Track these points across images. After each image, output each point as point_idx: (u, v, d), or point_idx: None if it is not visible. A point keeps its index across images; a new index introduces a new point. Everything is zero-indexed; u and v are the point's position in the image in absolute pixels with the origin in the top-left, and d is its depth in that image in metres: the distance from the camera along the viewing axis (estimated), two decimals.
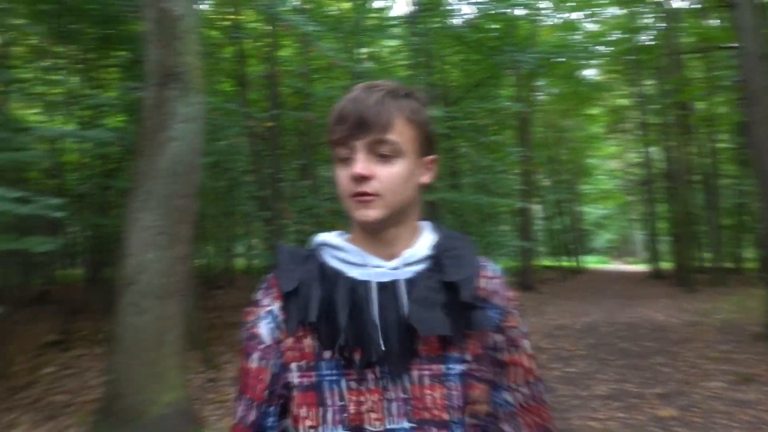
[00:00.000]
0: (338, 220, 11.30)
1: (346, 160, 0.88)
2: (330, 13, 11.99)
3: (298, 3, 10.13)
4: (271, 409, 0.92)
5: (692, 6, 15.36)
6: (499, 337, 0.93)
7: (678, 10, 15.10)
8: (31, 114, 11.63)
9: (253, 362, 0.93)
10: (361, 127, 0.85)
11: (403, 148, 0.87)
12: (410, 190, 0.90)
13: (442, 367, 0.87)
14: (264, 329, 0.94)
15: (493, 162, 13.74)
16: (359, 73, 9.61)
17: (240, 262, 19.42)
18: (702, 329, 8.42)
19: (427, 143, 0.93)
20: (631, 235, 40.93)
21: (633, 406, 4.69)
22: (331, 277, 0.91)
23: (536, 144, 19.72)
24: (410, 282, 0.89)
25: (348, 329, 0.86)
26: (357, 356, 0.86)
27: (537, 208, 22.97)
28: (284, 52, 12.99)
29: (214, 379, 5.70)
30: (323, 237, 0.97)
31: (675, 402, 4.75)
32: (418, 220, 0.97)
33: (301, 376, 0.89)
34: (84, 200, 10.24)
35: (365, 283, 0.89)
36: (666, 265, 21.13)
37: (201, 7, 10.17)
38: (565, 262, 24.23)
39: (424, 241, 0.94)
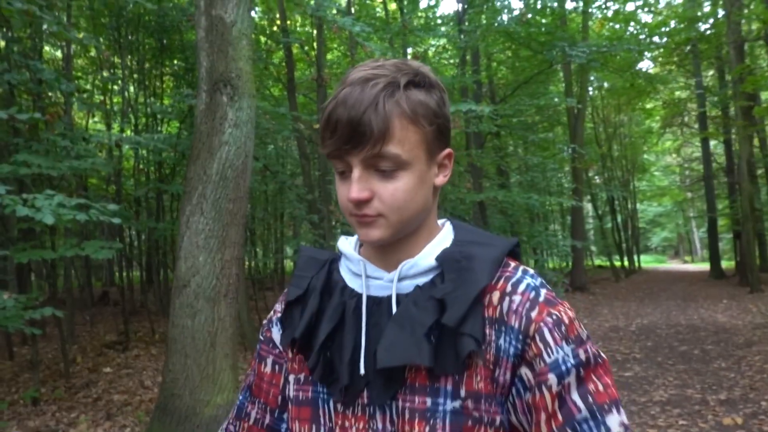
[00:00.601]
0: None
1: (343, 176, 0.76)
2: (377, 14, 12.05)
3: (343, 6, 10.21)
4: (285, 415, 0.89)
5: None
6: (525, 372, 0.72)
7: None
8: (92, 123, 12.18)
9: (267, 366, 0.90)
10: (354, 139, 0.71)
11: (407, 159, 0.73)
12: (420, 202, 0.77)
13: (428, 400, 0.74)
14: (276, 334, 0.90)
15: (543, 160, 13.46)
16: None
17: (289, 264, 19.77)
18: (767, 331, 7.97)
19: (439, 139, 0.78)
20: (690, 234, 39.23)
21: (695, 412, 4.48)
22: (332, 288, 0.84)
23: (588, 140, 19.18)
24: (406, 299, 0.78)
25: (325, 348, 0.79)
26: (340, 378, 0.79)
27: (589, 207, 22.35)
28: (331, 56, 13.16)
29: None
30: (340, 242, 0.88)
31: (740, 409, 4.51)
32: (434, 222, 0.85)
33: (297, 390, 0.84)
34: (140, 205, 10.66)
35: (359, 298, 0.80)
36: (727, 264, 20.13)
37: (252, 13, 10.43)
38: (619, 262, 23.46)
39: (432, 249, 0.80)
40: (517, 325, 0.73)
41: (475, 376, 0.73)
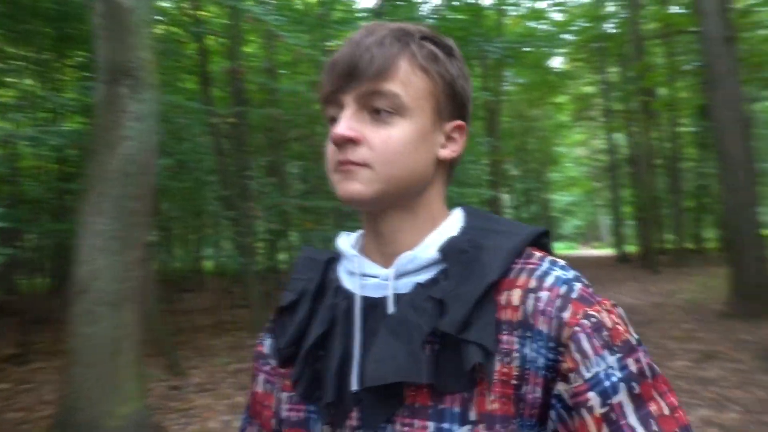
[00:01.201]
0: (308, 217, 11.19)
1: (333, 122, 0.66)
2: (295, 6, 11.82)
3: None
4: None
5: None
6: (564, 388, 0.58)
7: None
8: None
9: (259, 385, 0.79)
10: (351, 74, 0.63)
11: (409, 104, 0.63)
12: (419, 164, 0.65)
13: (430, 425, 0.60)
14: (267, 348, 0.78)
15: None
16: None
17: (209, 264, 19.13)
18: (667, 310, 8.60)
19: (452, 103, 0.68)
20: (598, 221, 41.74)
21: None
22: (326, 290, 0.72)
23: (504, 134, 19.86)
24: (403, 300, 0.65)
25: (312, 358, 0.69)
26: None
27: (506, 198, 23.17)
28: (248, 48, 12.78)
29: (179, 386, 5.56)
30: (339, 239, 0.76)
31: None
32: (440, 206, 0.71)
33: (289, 410, 0.72)
34: (41, 206, 9.91)
35: (351, 299, 0.68)
36: (632, 248, 21.59)
37: (159, 2, 9.91)
38: None
39: (436, 238, 0.67)
40: (546, 330, 0.59)
41: (488, 395, 0.59)
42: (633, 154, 18.22)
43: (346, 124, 0.63)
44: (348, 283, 0.71)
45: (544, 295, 0.61)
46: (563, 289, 0.61)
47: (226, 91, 11.86)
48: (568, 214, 38.99)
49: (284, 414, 0.73)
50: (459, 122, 0.70)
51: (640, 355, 0.59)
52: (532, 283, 0.62)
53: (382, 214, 0.67)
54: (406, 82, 0.64)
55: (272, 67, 9.75)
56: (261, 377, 0.79)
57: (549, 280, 0.62)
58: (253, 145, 13.44)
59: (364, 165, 0.63)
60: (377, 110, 0.63)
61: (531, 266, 0.64)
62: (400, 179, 0.64)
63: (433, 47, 0.67)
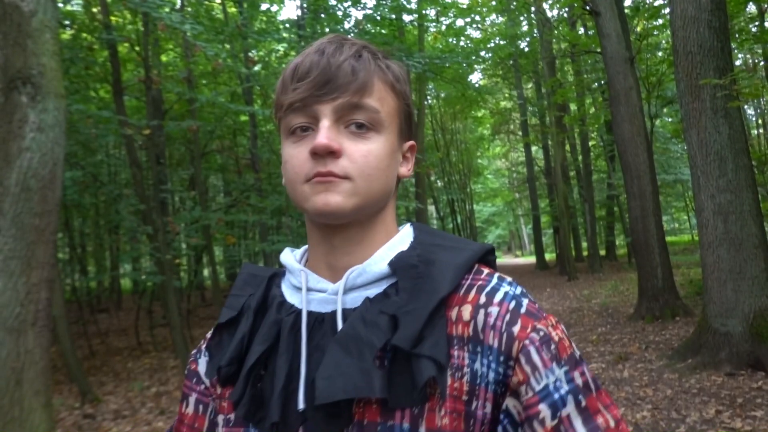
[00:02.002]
0: (229, 232, 10.88)
1: (302, 134, 0.64)
2: (215, 15, 11.55)
3: (177, 4, 9.63)
4: None
5: (562, 15, 16.59)
6: (513, 403, 0.59)
7: (550, 19, 16.21)
8: None
9: (189, 406, 0.74)
10: (329, 84, 0.61)
11: (384, 121, 0.64)
12: (389, 179, 0.66)
13: None
14: (202, 366, 0.74)
15: None
16: (246, 76, 9.31)
17: (127, 282, 18.16)
18: (583, 314, 9.06)
19: (408, 123, 0.70)
20: (519, 230, 43.49)
21: None
22: (269, 306, 0.70)
23: (428, 146, 20.30)
24: (352, 315, 0.64)
25: (253, 376, 0.65)
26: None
27: (432, 209, 23.63)
28: (165, 57, 12.32)
29: (92, 414, 5.20)
30: (282, 255, 0.74)
31: None
32: (393, 222, 0.72)
33: None
34: None
35: (297, 315, 0.66)
36: (550, 256, 22.63)
37: (69, 6, 9.36)
38: None
39: (385, 253, 0.67)
40: (496, 344, 0.59)
41: (438, 410, 0.58)
42: (548, 166, 19.17)
43: (327, 134, 0.61)
44: (292, 298, 0.69)
45: (494, 310, 0.61)
46: (512, 305, 0.62)
47: (143, 101, 11.37)
48: (491, 224, 40.32)
49: None
50: (412, 142, 0.72)
51: (585, 368, 0.60)
52: (482, 299, 0.62)
53: (342, 228, 0.66)
54: (382, 99, 0.65)
55: (191, 77, 9.44)
56: (193, 397, 0.74)
57: (498, 296, 0.63)
58: (172, 157, 12.95)
59: (345, 177, 0.62)
60: (357, 124, 0.63)
61: (480, 282, 0.65)
62: (375, 194, 0.64)
63: (395, 67, 0.69)
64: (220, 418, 0.69)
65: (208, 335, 0.74)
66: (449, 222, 25.87)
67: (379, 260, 0.66)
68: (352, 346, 0.59)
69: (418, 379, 0.58)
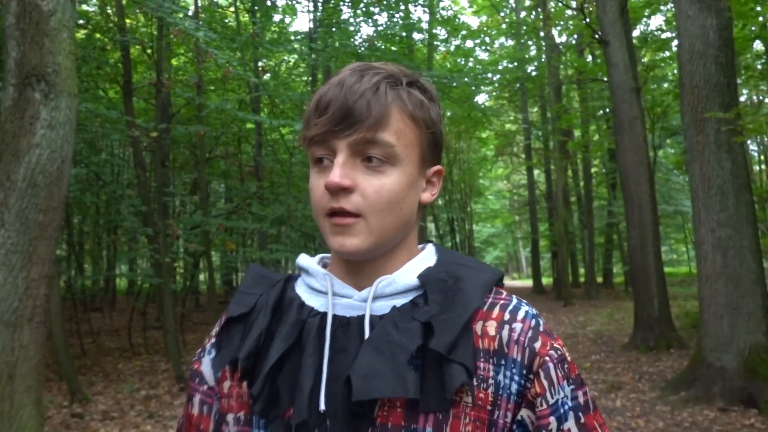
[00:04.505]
0: (230, 238, 10.88)
1: (323, 166, 0.66)
2: (228, 23, 11.67)
3: (191, 10, 9.75)
4: None
5: (571, 42, 16.77)
6: (527, 414, 0.64)
7: (559, 45, 16.39)
8: None
9: (194, 407, 0.75)
10: (346, 120, 0.63)
11: (400, 154, 0.65)
12: (405, 211, 0.68)
13: None
14: (206, 366, 0.75)
15: None
16: (255, 85, 9.39)
17: (123, 283, 18.10)
18: (577, 341, 9.03)
19: (433, 149, 0.72)
20: (517, 252, 43.44)
21: None
22: (285, 307, 0.71)
23: None
24: (383, 320, 0.66)
25: (273, 376, 0.66)
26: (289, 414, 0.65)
27: (432, 227, 23.65)
28: (176, 61, 12.43)
29: (81, 413, 5.17)
30: (300, 259, 0.76)
31: None
32: (415, 244, 0.75)
33: None
34: None
35: (322, 317, 0.68)
36: (547, 280, 22.58)
37: (85, 6, 9.47)
38: None
39: (413, 267, 0.70)
40: (519, 358, 0.64)
41: (464, 417, 0.62)
42: (550, 191, 19.22)
43: (340, 172, 0.63)
44: (311, 301, 0.71)
45: (517, 326, 0.66)
46: (533, 323, 0.67)
47: (150, 103, 11.44)
48: (489, 245, 40.30)
49: None
50: (439, 167, 0.74)
51: (586, 389, 0.67)
52: (507, 316, 0.67)
53: (369, 258, 0.69)
54: (399, 131, 0.66)
55: (200, 83, 9.52)
56: (197, 398, 0.75)
57: (521, 314, 0.68)
58: (176, 160, 12.99)
59: (357, 215, 0.64)
60: (369, 158, 0.65)
61: (503, 301, 0.69)
62: (390, 228, 0.67)
63: (418, 94, 0.69)
64: (230, 417, 0.70)
65: (213, 333, 0.75)
66: (448, 240, 25.89)
67: (408, 272, 0.69)
68: (385, 348, 0.62)
69: (450, 384, 0.61)
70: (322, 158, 0.66)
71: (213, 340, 0.75)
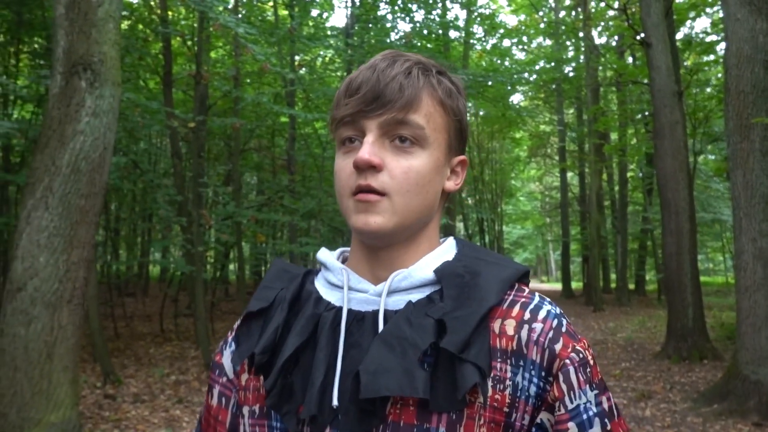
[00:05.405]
0: (261, 229, 11.03)
1: (351, 146, 0.67)
2: (266, 18, 11.81)
3: (230, 4, 9.88)
4: None
5: (611, 43, 16.42)
6: (547, 417, 0.62)
7: (598, 46, 16.06)
8: None
9: (214, 398, 0.76)
10: (377, 101, 0.64)
11: (429, 137, 0.66)
12: (430, 195, 0.67)
13: None
14: (227, 359, 0.75)
15: None
16: (291, 79, 9.47)
17: (155, 270, 18.53)
18: (607, 347, 8.86)
19: (459, 138, 0.71)
20: (547, 255, 42.85)
21: None
22: (303, 301, 0.71)
23: None
24: (396, 315, 0.65)
25: (287, 370, 0.66)
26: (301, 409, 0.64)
27: (460, 226, 23.51)
28: (215, 54, 12.63)
29: (113, 395, 5.32)
30: (320, 253, 0.76)
31: None
32: (437, 236, 0.74)
33: (252, 425, 0.69)
34: None
35: (337, 311, 0.67)
36: (577, 285, 22.22)
37: None
38: None
39: (430, 261, 0.69)
40: (538, 360, 0.62)
41: (477, 419, 0.60)
42: (583, 194, 18.88)
43: (370, 149, 0.63)
44: (328, 295, 0.70)
45: (538, 326, 0.64)
46: (555, 323, 0.64)
47: (189, 94, 11.66)
48: (519, 247, 39.86)
49: (247, 429, 0.70)
50: (463, 157, 0.74)
51: (610, 394, 0.64)
52: (527, 315, 0.65)
53: (391, 242, 0.68)
54: (429, 115, 0.66)
55: (238, 75, 9.65)
56: (216, 389, 0.76)
57: (542, 314, 0.65)
58: (210, 152, 13.21)
59: (383, 194, 0.64)
60: (401, 139, 0.65)
61: (524, 299, 0.67)
62: (414, 210, 0.66)
63: (448, 83, 0.70)
64: (245, 410, 0.70)
65: (235, 326, 0.75)
66: (477, 241, 25.70)
67: (424, 266, 0.68)
68: (396, 344, 0.61)
69: (461, 384, 0.59)
70: (351, 138, 0.67)
71: (234, 333, 0.75)
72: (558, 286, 25.92)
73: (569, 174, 21.16)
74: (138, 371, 6.40)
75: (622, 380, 6.48)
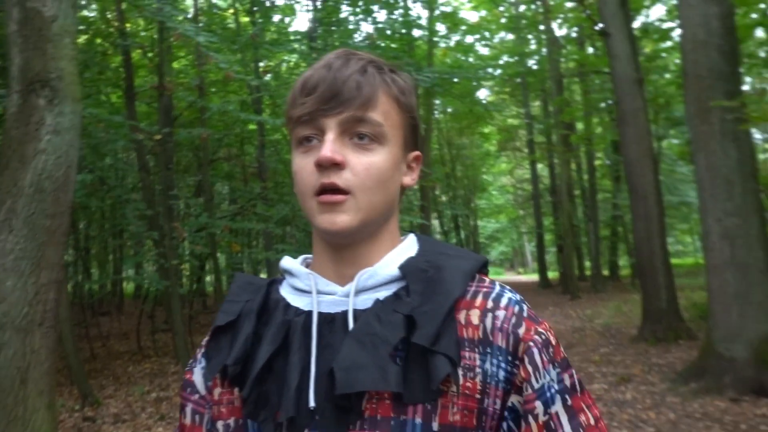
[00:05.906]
0: (236, 239, 10.90)
1: (309, 146, 0.67)
2: (228, 25, 11.67)
3: (190, 13, 9.75)
4: None
5: (571, 35, 16.71)
6: (516, 399, 0.64)
7: (559, 38, 16.33)
8: None
9: (187, 417, 0.75)
10: (335, 99, 0.65)
11: (387, 134, 0.67)
12: (391, 191, 0.69)
13: None
14: (197, 376, 0.75)
15: None
16: (257, 86, 9.39)
17: (130, 286, 18.16)
18: (585, 334, 9.01)
19: (413, 135, 0.73)
20: (522, 247, 43.37)
21: None
22: (271, 309, 0.71)
23: (434, 161, 20.34)
24: (366, 313, 0.67)
25: (262, 378, 0.66)
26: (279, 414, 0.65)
27: (436, 223, 23.64)
28: (177, 64, 12.45)
29: (93, 417, 5.20)
30: (283, 261, 0.76)
31: None
32: (397, 230, 0.75)
33: None
34: None
35: (307, 316, 0.68)
36: (553, 274, 22.54)
37: (86, 12, 9.49)
38: None
39: (394, 257, 0.70)
40: (504, 345, 0.64)
41: (451, 407, 0.62)
42: (554, 184, 19.17)
43: (331, 147, 0.64)
44: (296, 301, 0.71)
45: (501, 314, 0.66)
46: (516, 309, 0.67)
47: (153, 106, 11.47)
48: (494, 241, 40.25)
49: None
50: (418, 152, 0.76)
51: (573, 371, 0.67)
52: (489, 304, 0.67)
53: (355, 240, 0.69)
54: (385, 112, 0.68)
55: (202, 85, 9.53)
56: (189, 407, 0.75)
57: (503, 301, 0.68)
58: (180, 163, 13.02)
59: (347, 192, 0.65)
60: (359, 136, 0.66)
61: (485, 289, 0.69)
62: (377, 206, 0.67)
63: (401, 81, 0.71)
64: (220, 425, 0.70)
65: (203, 342, 0.76)
66: (453, 237, 25.87)
67: (389, 263, 0.69)
68: (367, 341, 0.62)
69: (434, 376, 0.61)
70: (309, 137, 0.67)
71: (203, 349, 0.75)
72: (535, 277, 26.26)
73: (539, 166, 21.46)
74: (117, 391, 6.26)
75: (602, 365, 6.60)
